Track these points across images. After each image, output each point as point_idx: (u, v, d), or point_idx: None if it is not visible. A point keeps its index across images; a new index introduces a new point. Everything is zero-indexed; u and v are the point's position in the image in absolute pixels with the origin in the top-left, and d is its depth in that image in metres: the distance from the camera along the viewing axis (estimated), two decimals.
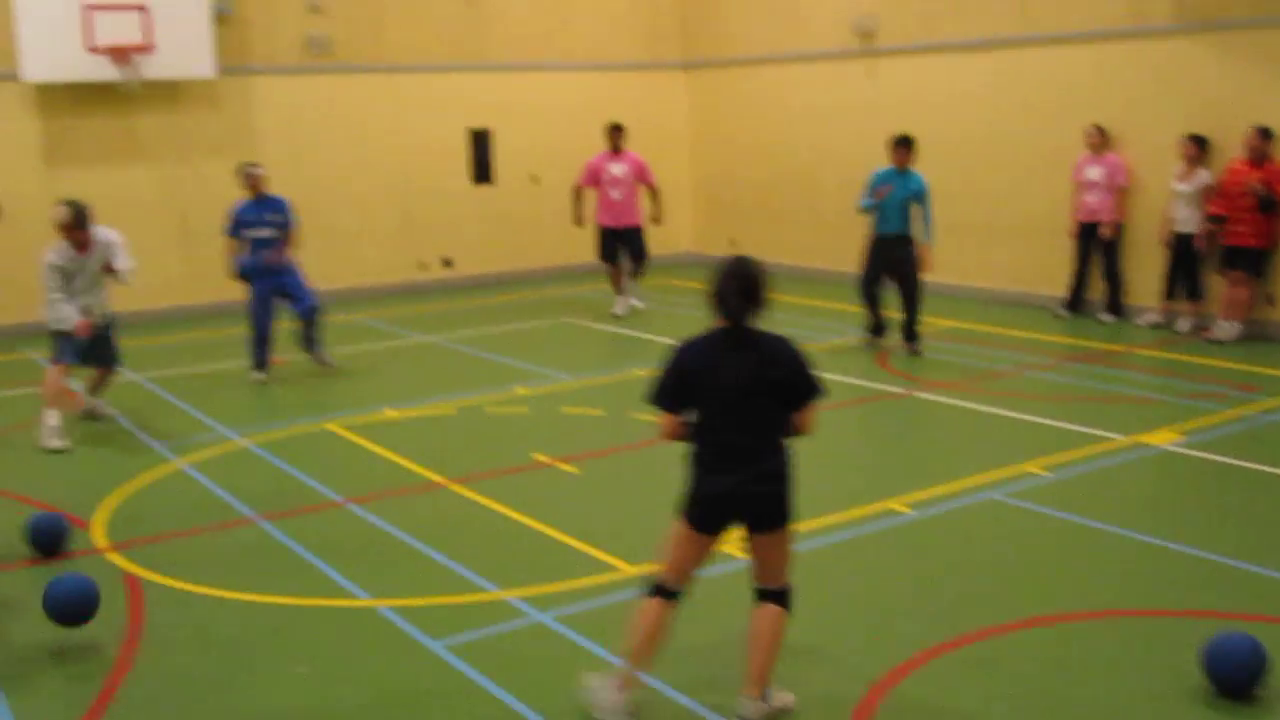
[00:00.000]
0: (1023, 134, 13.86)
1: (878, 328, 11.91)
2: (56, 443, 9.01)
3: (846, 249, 15.02)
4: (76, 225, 8.98)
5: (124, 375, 11.01)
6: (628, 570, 6.40)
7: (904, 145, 11.66)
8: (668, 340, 12.51)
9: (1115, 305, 13.06)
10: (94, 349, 9.40)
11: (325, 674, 5.43)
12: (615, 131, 14.02)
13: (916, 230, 11.57)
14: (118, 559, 6.76)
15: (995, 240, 14.34)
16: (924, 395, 10.05)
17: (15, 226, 12.77)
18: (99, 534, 7.17)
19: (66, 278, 9.10)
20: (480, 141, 16.34)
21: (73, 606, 5.64)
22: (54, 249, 9.11)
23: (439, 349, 12.45)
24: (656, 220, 14.37)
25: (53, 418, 9.09)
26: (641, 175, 14.04)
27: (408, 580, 6.41)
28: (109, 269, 9.26)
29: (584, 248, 17.83)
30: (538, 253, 17.04)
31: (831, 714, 4.89)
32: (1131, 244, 13.00)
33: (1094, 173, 12.90)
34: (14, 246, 13.04)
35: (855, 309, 12.06)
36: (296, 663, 5.51)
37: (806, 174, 16.09)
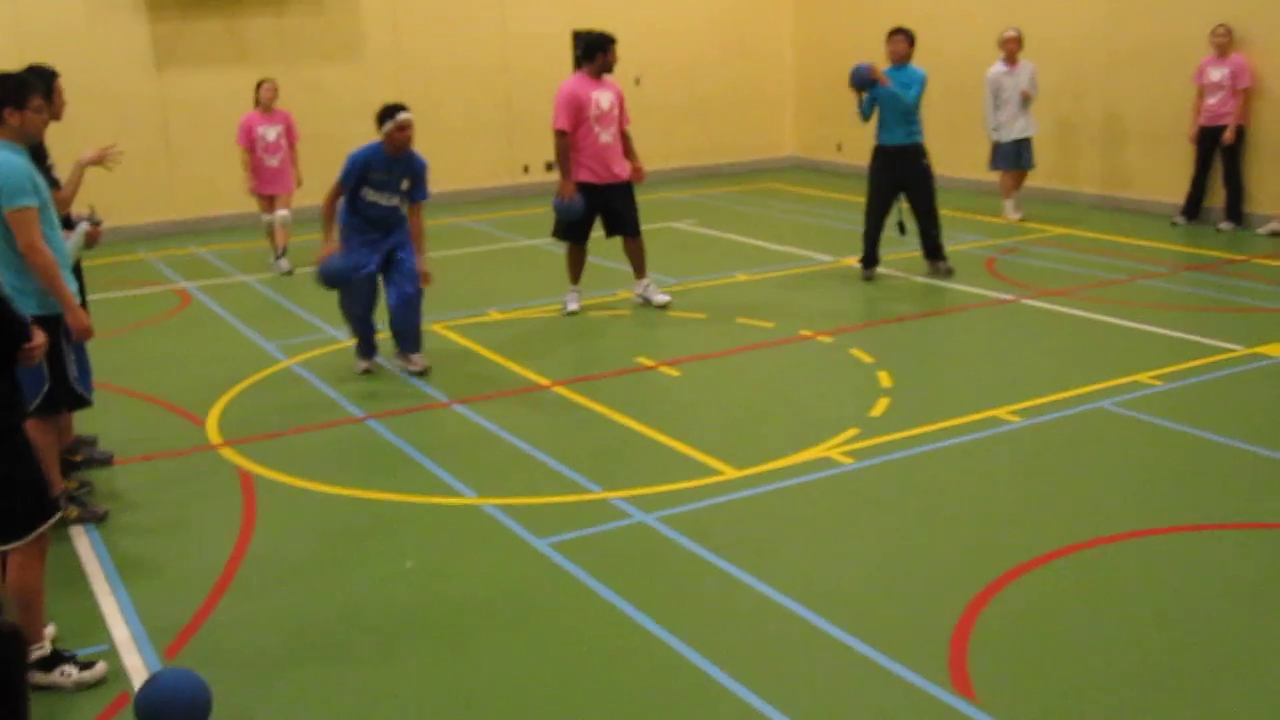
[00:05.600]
0: (1142, 34, 13.33)
1: (872, 259, 10.79)
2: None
3: (956, 155, 14.72)
4: None
5: (232, 278, 11.23)
6: (730, 473, 6.40)
7: (903, 37, 10.48)
8: (772, 246, 12.43)
9: (1235, 213, 12.62)
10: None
11: (432, 568, 5.53)
12: (594, 45, 9.48)
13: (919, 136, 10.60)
14: (231, 454, 6.93)
15: (1111, 144, 13.90)
16: (1033, 302, 9.85)
17: (128, 130, 12.97)
18: (213, 430, 7.36)
19: None
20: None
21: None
22: None
23: (542, 252, 12.46)
24: (638, 174, 9.98)
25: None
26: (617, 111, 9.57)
27: (512, 479, 6.49)
28: None
29: (688, 151, 17.62)
30: (641, 156, 16.88)
31: (935, 617, 4.86)
32: (1254, 149, 12.51)
33: (1217, 74, 12.39)
34: (128, 150, 13.28)
35: (965, 214, 11.77)
36: (404, 557, 5.63)
37: None
